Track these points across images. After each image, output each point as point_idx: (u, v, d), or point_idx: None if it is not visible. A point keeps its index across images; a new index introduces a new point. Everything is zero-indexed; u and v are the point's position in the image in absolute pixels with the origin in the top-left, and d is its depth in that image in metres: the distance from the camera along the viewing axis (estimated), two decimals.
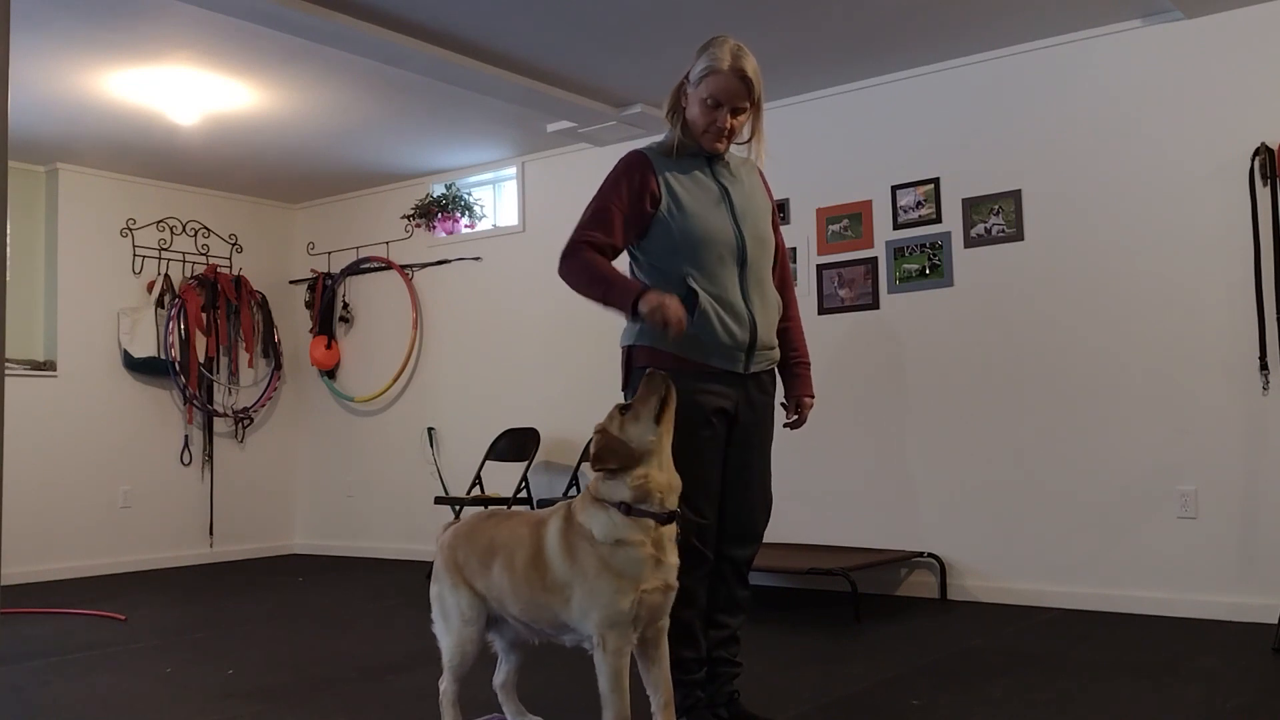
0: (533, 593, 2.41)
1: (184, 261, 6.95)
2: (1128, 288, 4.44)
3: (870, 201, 5.11)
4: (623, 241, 2.63)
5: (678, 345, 2.54)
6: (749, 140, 2.79)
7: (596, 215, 2.60)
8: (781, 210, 5.35)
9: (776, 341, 2.77)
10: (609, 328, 6.37)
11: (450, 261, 6.72)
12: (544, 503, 5.65)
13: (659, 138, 2.80)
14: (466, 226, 6.71)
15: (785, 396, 2.84)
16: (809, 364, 2.87)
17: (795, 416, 2.83)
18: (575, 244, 2.59)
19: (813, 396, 2.85)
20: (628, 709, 2.33)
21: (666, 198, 2.61)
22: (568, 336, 6.08)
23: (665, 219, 2.61)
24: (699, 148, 2.70)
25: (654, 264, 2.65)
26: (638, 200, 2.60)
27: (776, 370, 2.80)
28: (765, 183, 2.89)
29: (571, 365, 6.07)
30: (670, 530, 2.34)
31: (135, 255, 6.71)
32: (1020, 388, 4.67)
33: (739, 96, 2.60)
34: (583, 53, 4.69)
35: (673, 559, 2.36)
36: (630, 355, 2.69)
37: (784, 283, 2.84)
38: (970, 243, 4.83)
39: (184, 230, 6.96)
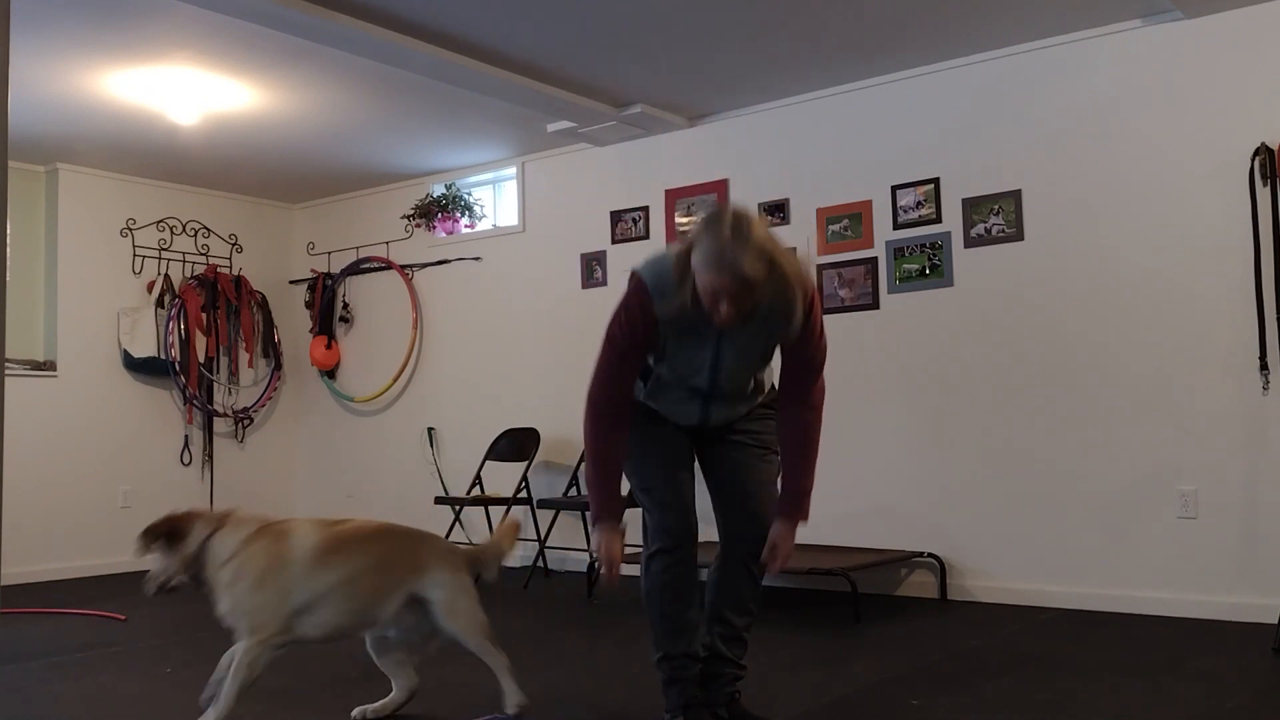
0: None
1: (184, 261, 6.95)
2: (1128, 288, 4.44)
3: (870, 201, 5.11)
4: (636, 374, 2.64)
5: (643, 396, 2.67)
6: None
7: (618, 361, 2.57)
8: (781, 210, 5.35)
9: (743, 411, 2.71)
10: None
11: (450, 261, 6.72)
12: (544, 503, 5.65)
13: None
14: (466, 226, 6.71)
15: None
16: (802, 502, 2.62)
17: (768, 552, 2.61)
18: (593, 403, 2.58)
19: (789, 541, 2.60)
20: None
21: (664, 342, 2.56)
22: (568, 336, 6.09)
23: (657, 355, 2.61)
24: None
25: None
26: (643, 341, 2.56)
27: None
28: (805, 308, 2.49)
29: (572, 365, 6.07)
30: None
31: (135, 255, 6.71)
32: (1020, 387, 4.67)
33: (740, 297, 2.36)
34: (583, 53, 4.69)
35: None
36: None
37: (804, 390, 2.61)
38: (970, 243, 4.83)
39: (184, 230, 6.96)
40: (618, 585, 2.68)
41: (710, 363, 2.57)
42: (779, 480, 2.68)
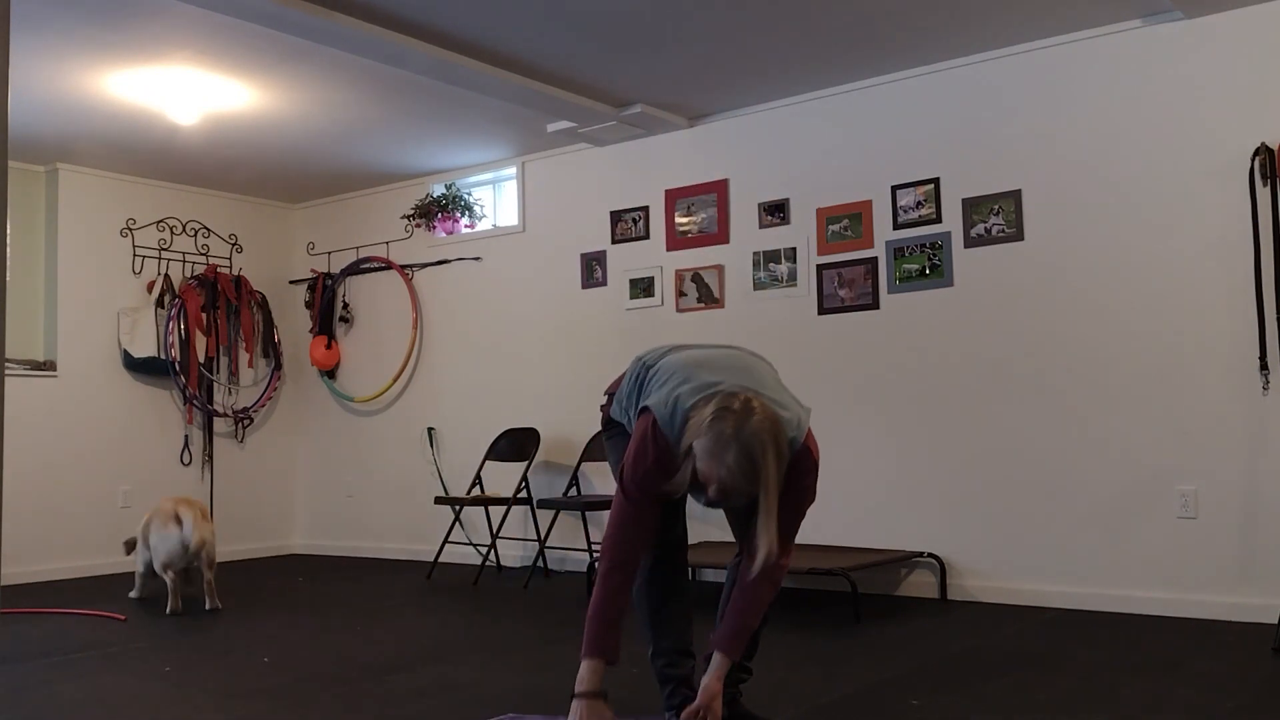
0: None
1: (184, 261, 6.95)
2: (1128, 288, 4.44)
3: (870, 201, 5.11)
4: (655, 521, 2.60)
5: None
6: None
7: (625, 521, 2.55)
8: (781, 210, 5.35)
9: None
10: (609, 328, 6.40)
11: (450, 261, 6.73)
12: (544, 503, 5.65)
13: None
14: (466, 226, 6.71)
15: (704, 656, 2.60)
16: (740, 641, 2.54)
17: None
18: (613, 563, 2.52)
19: (718, 697, 2.50)
20: None
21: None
22: (568, 336, 6.09)
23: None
24: None
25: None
26: (661, 485, 2.49)
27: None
28: (807, 469, 2.51)
29: (571, 365, 6.08)
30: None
31: (135, 255, 6.71)
32: (1020, 387, 4.68)
33: (729, 494, 2.35)
34: (583, 53, 4.69)
35: None
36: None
37: (775, 545, 2.45)
38: (970, 243, 4.83)
39: (184, 230, 6.96)
40: None
41: (705, 504, 2.51)
42: (727, 613, 2.58)
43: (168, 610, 4.80)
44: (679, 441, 2.42)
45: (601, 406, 2.90)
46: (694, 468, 2.37)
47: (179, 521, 4.83)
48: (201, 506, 5.01)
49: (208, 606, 4.89)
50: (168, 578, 4.86)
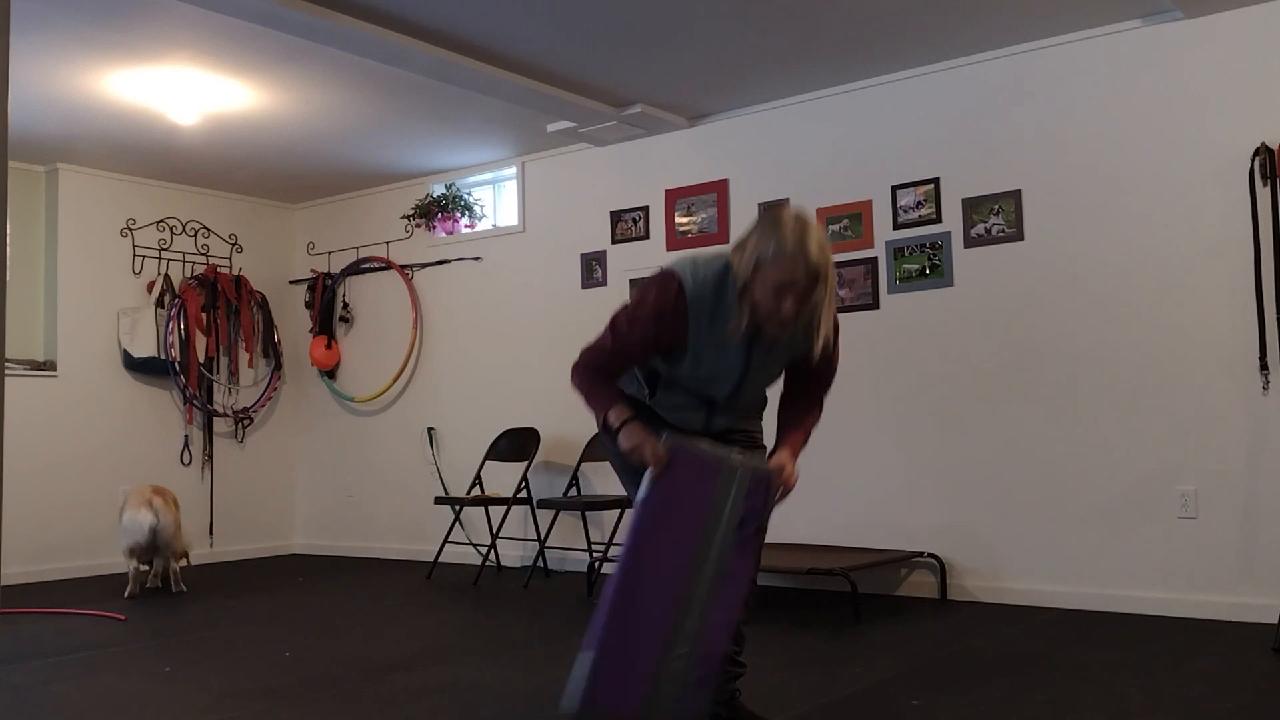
0: None
1: (184, 261, 6.95)
2: (1128, 288, 4.44)
3: (870, 201, 5.11)
4: (624, 373, 2.61)
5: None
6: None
7: (615, 352, 2.53)
8: None
9: (741, 422, 2.70)
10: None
11: (450, 261, 6.72)
12: (544, 503, 5.65)
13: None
14: (466, 226, 6.71)
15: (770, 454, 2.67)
16: (801, 438, 2.63)
17: (777, 482, 2.54)
18: (583, 367, 2.56)
19: (789, 467, 2.55)
20: None
21: (689, 351, 2.49)
22: (568, 336, 6.07)
23: (673, 359, 2.53)
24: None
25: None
26: (654, 346, 2.50)
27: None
28: (827, 327, 2.53)
29: (571, 365, 6.06)
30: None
31: (135, 255, 6.71)
32: (1020, 388, 4.68)
33: (807, 293, 2.36)
34: (583, 53, 4.69)
35: None
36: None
37: (812, 399, 2.65)
38: (970, 243, 4.83)
39: (184, 230, 6.96)
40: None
41: (738, 374, 2.53)
42: (784, 422, 2.66)
43: (125, 594, 5.28)
44: (717, 288, 2.42)
45: None
46: (750, 308, 2.38)
47: (149, 507, 5.26)
48: (172, 496, 5.48)
49: (173, 590, 5.42)
50: (129, 564, 5.33)
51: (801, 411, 2.65)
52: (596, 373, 2.56)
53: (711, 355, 2.49)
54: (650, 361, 2.57)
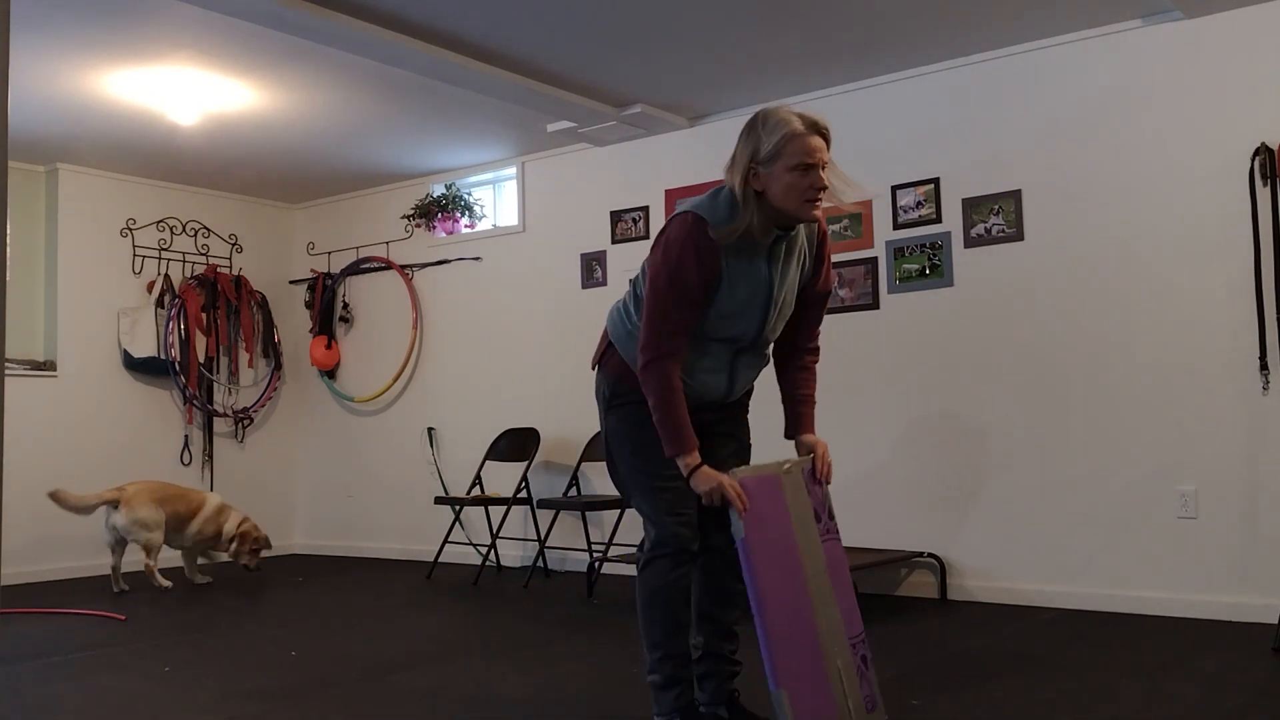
0: None
1: (184, 261, 6.95)
2: (1128, 288, 4.44)
3: (870, 201, 5.11)
4: (694, 326, 2.54)
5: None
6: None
7: (679, 303, 2.47)
8: None
9: (752, 380, 2.75)
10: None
11: (450, 261, 6.73)
12: (544, 503, 5.65)
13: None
14: (466, 226, 6.71)
15: (790, 436, 2.73)
16: (813, 413, 2.73)
17: (821, 466, 2.64)
18: (656, 359, 2.47)
19: (819, 446, 2.67)
20: None
21: (725, 281, 2.50)
22: (568, 336, 6.08)
23: (710, 298, 2.52)
24: (781, 223, 2.50)
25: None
26: (703, 283, 2.48)
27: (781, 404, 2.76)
28: (821, 239, 2.67)
29: (571, 365, 6.07)
30: None
31: (135, 255, 6.71)
32: (1020, 388, 4.67)
33: (823, 150, 2.45)
34: (583, 53, 4.69)
35: None
36: (605, 358, 2.72)
37: (809, 335, 2.73)
38: (970, 243, 4.83)
39: (184, 230, 6.96)
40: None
41: (765, 296, 2.54)
42: (794, 396, 2.72)
43: (115, 590, 5.49)
44: (730, 210, 2.46)
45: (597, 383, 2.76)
46: (772, 209, 2.44)
47: (116, 501, 5.50)
48: (158, 494, 5.65)
49: (157, 584, 5.61)
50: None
51: (804, 380, 2.73)
52: (670, 376, 2.48)
53: (743, 280, 2.51)
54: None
